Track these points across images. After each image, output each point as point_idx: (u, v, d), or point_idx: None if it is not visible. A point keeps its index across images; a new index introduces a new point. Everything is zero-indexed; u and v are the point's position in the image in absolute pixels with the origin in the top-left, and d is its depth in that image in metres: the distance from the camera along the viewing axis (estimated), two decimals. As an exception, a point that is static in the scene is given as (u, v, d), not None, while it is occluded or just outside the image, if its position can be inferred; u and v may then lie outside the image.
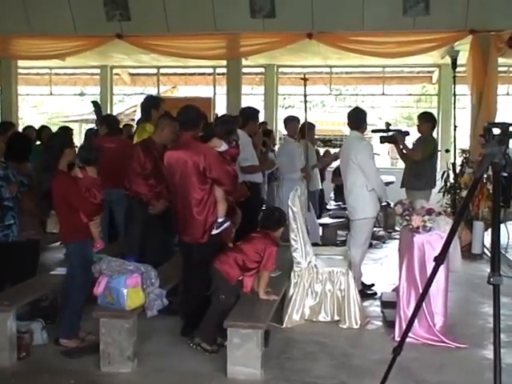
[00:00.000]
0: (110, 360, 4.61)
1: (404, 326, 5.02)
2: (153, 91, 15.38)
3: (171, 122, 6.02)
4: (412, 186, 7.78)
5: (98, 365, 4.65)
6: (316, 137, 10.45)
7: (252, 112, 7.45)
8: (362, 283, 6.80)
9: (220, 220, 5.16)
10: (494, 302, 2.98)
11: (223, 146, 5.32)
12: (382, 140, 7.98)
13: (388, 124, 8.04)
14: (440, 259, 3.35)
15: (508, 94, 14.44)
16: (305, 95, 8.23)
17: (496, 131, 3.13)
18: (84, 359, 4.81)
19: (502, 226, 4.58)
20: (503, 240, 6.88)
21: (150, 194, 5.97)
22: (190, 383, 4.54)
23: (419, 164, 7.72)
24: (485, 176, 6.33)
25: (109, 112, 14.80)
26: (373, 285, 7.02)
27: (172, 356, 4.94)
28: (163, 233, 6.13)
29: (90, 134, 10.70)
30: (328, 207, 10.30)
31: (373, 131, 8.58)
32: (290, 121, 8.43)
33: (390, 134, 7.85)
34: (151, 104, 6.94)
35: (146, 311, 4.77)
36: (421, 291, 5.12)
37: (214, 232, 5.15)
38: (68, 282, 5.14)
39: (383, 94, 15.02)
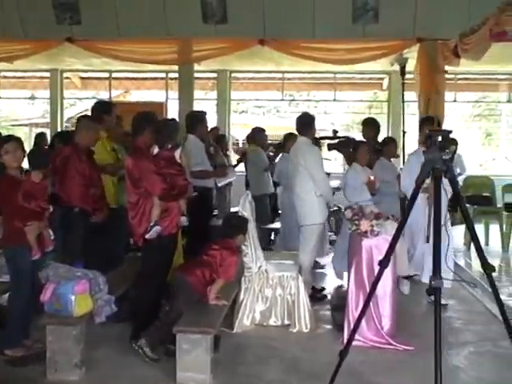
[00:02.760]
0: (57, 368, 4.54)
1: (351, 329, 5.12)
2: (105, 95, 15.24)
3: (91, 123, 6.00)
4: None
5: (44, 373, 4.57)
6: (269, 142, 10.51)
7: (198, 116, 7.41)
8: (313, 287, 6.87)
9: (151, 224, 5.14)
10: (435, 303, 3.06)
11: (155, 149, 5.33)
12: (330, 147, 8.08)
13: (335, 131, 8.16)
14: (384, 263, 3.42)
15: (455, 101, 14.78)
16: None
17: (437, 138, 3.21)
18: (30, 368, 4.72)
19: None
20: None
21: (91, 203, 5.88)
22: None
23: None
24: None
25: (59, 116, 14.62)
26: (323, 289, 7.09)
27: (121, 363, 4.90)
28: (105, 240, 6.07)
29: (39, 138, 10.60)
30: (280, 212, 10.34)
31: (320, 138, 8.65)
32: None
33: (337, 141, 7.97)
34: (102, 109, 6.87)
35: (94, 317, 4.73)
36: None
37: (147, 236, 5.13)
38: (11, 289, 5.06)
39: (335, 100, 15.20)
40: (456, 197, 3.36)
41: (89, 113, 7.16)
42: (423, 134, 6.65)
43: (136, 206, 5.16)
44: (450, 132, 3.25)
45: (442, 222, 3.16)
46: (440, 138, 3.19)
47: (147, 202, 5.12)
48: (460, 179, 8.54)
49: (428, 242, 5.33)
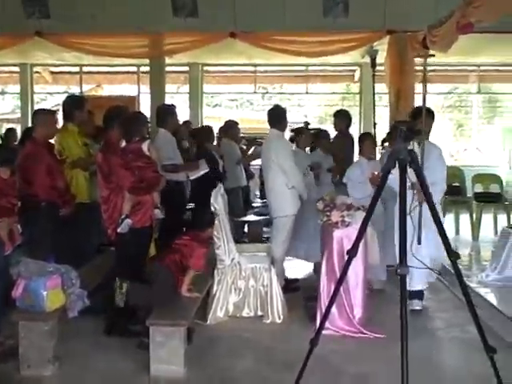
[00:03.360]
0: (30, 363, 4.53)
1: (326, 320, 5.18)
2: (76, 90, 15.13)
3: (46, 116, 6.00)
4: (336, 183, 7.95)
5: (17, 369, 4.55)
6: (242, 135, 10.52)
7: (168, 109, 7.40)
8: (286, 278, 6.92)
9: (122, 217, 5.16)
10: (401, 291, 3.12)
11: (123, 143, 5.37)
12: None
13: (307, 123, 8.20)
14: (352, 252, 3.47)
15: (426, 92, 14.92)
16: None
17: (402, 129, 3.27)
18: (3, 364, 4.70)
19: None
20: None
21: (58, 196, 5.86)
22: (113, 383, 4.54)
23: (342, 161, 7.86)
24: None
25: (30, 111, 14.48)
26: (296, 280, 7.15)
27: (94, 357, 4.90)
28: (78, 235, 6.06)
29: (9, 134, 10.50)
30: (254, 204, 10.39)
31: (292, 131, 8.71)
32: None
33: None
34: (74, 104, 6.85)
35: (66, 312, 4.73)
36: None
37: (119, 230, 5.15)
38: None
39: (307, 92, 15.28)
40: (422, 187, 3.40)
41: (60, 107, 7.12)
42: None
43: (108, 201, 5.20)
44: (415, 123, 3.31)
45: (408, 212, 3.23)
46: (405, 129, 3.24)
47: (118, 196, 5.15)
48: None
49: (419, 243, 5.31)
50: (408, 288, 5.57)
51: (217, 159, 7.92)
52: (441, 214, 5.64)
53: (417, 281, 5.86)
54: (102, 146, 5.45)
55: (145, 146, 5.38)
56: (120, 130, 5.32)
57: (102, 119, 5.64)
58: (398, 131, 3.23)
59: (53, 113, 6.22)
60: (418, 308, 6.03)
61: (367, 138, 7.22)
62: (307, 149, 8.11)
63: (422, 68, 12.27)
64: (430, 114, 6.01)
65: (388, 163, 3.28)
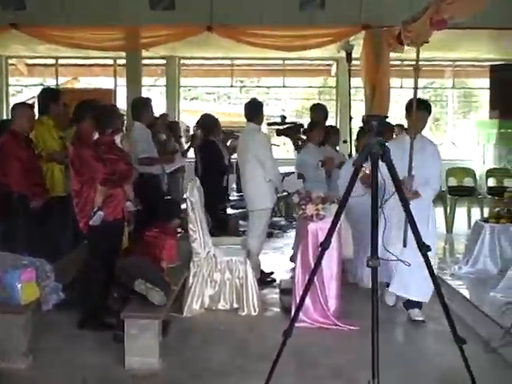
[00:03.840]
0: (5, 356, 4.53)
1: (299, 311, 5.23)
2: (52, 82, 15.01)
3: (26, 109, 6.02)
4: None
5: (-8, 362, 4.56)
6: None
7: (143, 102, 7.39)
8: (262, 271, 6.97)
9: (94, 210, 5.17)
10: (373, 283, 3.17)
11: (95, 135, 5.38)
12: (278, 133, 8.16)
13: (283, 117, 8.23)
14: (325, 244, 3.51)
15: (402, 87, 15.05)
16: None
17: (374, 123, 3.31)
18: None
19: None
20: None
21: (30, 188, 5.87)
22: (88, 376, 4.51)
23: None
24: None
25: (5, 104, 14.36)
26: (272, 273, 7.20)
27: (69, 350, 4.92)
28: (53, 228, 6.05)
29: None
30: (231, 198, 10.41)
31: (268, 124, 8.74)
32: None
33: (286, 126, 8.04)
34: (49, 97, 6.82)
35: (41, 305, 4.73)
36: (315, 277, 5.35)
37: (91, 222, 5.16)
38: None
39: (284, 86, 15.32)
40: (394, 181, 3.44)
41: (36, 100, 7.09)
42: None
43: (79, 193, 5.21)
44: (386, 117, 3.35)
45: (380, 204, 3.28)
46: (376, 123, 3.28)
47: (90, 188, 5.15)
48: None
49: (405, 245, 5.23)
50: (406, 296, 5.62)
51: (221, 152, 7.86)
52: (431, 210, 5.69)
53: (416, 291, 5.51)
54: (73, 139, 5.45)
55: (117, 139, 5.39)
56: (92, 123, 5.32)
57: (73, 112, 5.67)
58: (370, 125, 3.28)
59: (31, 107, 6.21)
60: (418, 319, 5.69)
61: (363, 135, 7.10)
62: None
63: (396, 63, 12.50)
64: (426, 107, 5.81)
65: (360, 157, 3.33)
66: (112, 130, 5.41)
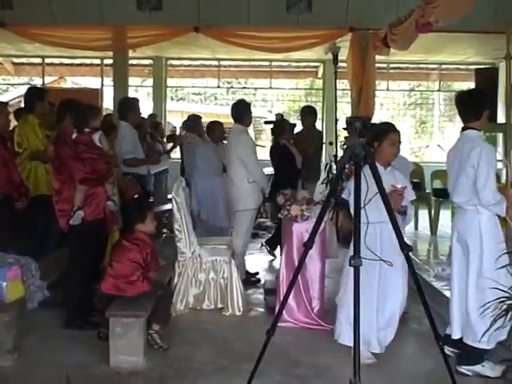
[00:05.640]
0: (-11, 354, 4.54)
1: (283, 311, 5.26)
2: (38, 81, 14.97)
3: (1, 108, 6.00)
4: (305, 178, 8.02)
5: (-24, 360, 4.56)
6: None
7: (130, 102, 7.40)
8: (247, 271, 7.01)
9: (74, 209, 5.18)
10: (355, 282, 3.21)
11: (74, 134, 5.35)
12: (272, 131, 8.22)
13: (281, 115, 8.29)
14: (309, 244, 3.55)
15: (388, 90, 15.17)
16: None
17: (357, 124, 3.36)
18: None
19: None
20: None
21: (15, 189, 5.84)
22: (72, 375, 4.51)
23: (311, 156, 7.90)
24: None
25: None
26: (257, 273, 7.23)
27: (54, 348, 4.91)
28: (38, 227, 6.05)
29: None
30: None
31: (265, 123, 8.81)
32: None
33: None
34: (35, 95, 6.81)
35: (26, 303, 4.73)
36: (299, 277, 5.39)
37: (71, 222, 5.17)
38: None
39: (270, 87, 15.38)
40: (377, 183, 3.49)
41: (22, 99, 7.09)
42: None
43: (59, 192, 5.23)
44: (370, 119, 3.40)
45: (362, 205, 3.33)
46: (359, 125, 3.33)
47: (70, 187, 5.17)
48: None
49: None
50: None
51: (293, 155, 7.81)
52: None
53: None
54: (54, 138, 5.47)
55: (96, 138, 5.37)
56: (72, 122, 5.33)
57: (55, 112, 5.67)
58: (353, 127, 3.32)
59: (5, 105, 6.20)
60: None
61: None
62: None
63: (382, 65, 12.58)
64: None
65: (343, 158, 3.37)
66: (90, 129, 5.38)
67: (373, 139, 4.41)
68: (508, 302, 2.93)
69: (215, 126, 8.32)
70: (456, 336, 4.40)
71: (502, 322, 2.92)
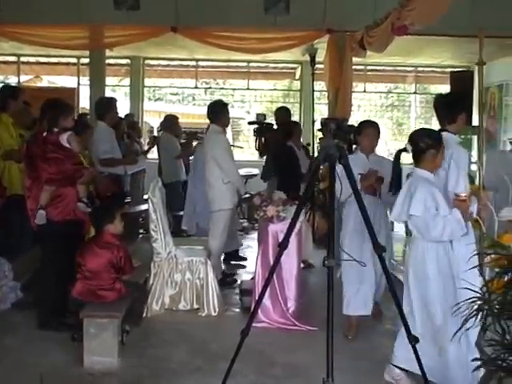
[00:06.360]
0: (-39, 356, 4.50)
1: (259, 312, 5.28)
2: (14, 80, 14.82)
3: None
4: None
5: None
6: (183, 129, 10.56)
7: (107, 102, 7.37)
8: (223, 272, 7.01)
9: (37, 208, 5.17)
10: (328, 283, 3.23)
11: (44, 134, 5.33)
12: (255, 132, 8.25)
13: (262, 115, 8.29)
14: (284, 244, 3.57)
15: (365, 91, 15.27)
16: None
17: (332, 125, 3.38)
18: None
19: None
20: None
21: None
22: (46, 376, 4.48)
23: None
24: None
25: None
26: (233, 274, 7.24)
27: (28, 349, 4.88)
28: (12, 227, 6.01)
29: None
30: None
31: (249, 123, 8.80)
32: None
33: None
34: (9, 94, 6.75)
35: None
36: (275, 278, 5.42)
37: (36, 221, 5.16)
38: None
39: (248, 88, 15.39)
40: (350, 183, 3.51)
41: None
42: None
43: (30, 191, 5.21)
44: (345, 120, 3.43)
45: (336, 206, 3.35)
46: (334, 126, 3.35)
47: (39, 187, 5.17)
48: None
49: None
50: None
51: (298, 158, 7.70)
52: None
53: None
54: (30, 137, 5.45)
55: (63, 138, 5.28)
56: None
57: (40, 110, 5.61)
58: (328, 128, 3.34)
59: None
60: None
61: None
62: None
63: (359, 67, 12.65)
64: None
65: (318, 159, 3.39)
66: (59, 128, 5.32)
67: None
68: (479, 303, 2.96)
69: None
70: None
71: (473, 323, 2.94)
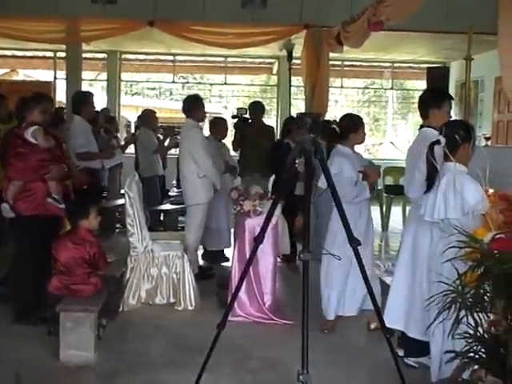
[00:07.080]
0: None
1: (235, 306, 5.31)
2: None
3: None
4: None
5: None
6: (160, 124, 10.52)
7: (83, 96, 7.32)
8: (200, 266, 7.02)
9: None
10: (304, 277, 3.26)
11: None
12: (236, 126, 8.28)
13: (243, 109, 8.31)
14: (259, 239, 3.58)
15: (342, 87, 15.36)
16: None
17: (307, 120, 3.40)
18: None
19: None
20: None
21: None
22: (23, 371, 4.45)
23: (264, 152, 7.86)
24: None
25: None
26: (210, 268, 7.25)
27: (3, 345, 4.84)
28: None
29: None
30: (170, 193, 10.41)
31: (232, 117, 8.80)
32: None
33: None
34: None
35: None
36: (251, 272, 5.45)
37: (4, 214, 5.22)
38: None
39: (225, 83, 15.39)
40: (326, 178, 3.53)
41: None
42: None
43: (2, 184, 5.28)
44: (320, 115, 3.45)
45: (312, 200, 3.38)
46: (310, 121, 3.37)
47: (7, 180, 5.20)
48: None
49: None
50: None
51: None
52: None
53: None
54: (6, 132, 5.46)
55: (28, 132, 5.20)
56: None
57: None
58: (303, 122, 3.36)
59: None
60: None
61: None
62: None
63: (336, 62, 12.71)
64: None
65: (293, 153, 3.41)
66: (26, 123, 5.26)
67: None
68: (452, 295, 3.00)
69: (218, 122, 8.03)
70: (393, 325, 4.45)
71: (446, 315, 2.99)
